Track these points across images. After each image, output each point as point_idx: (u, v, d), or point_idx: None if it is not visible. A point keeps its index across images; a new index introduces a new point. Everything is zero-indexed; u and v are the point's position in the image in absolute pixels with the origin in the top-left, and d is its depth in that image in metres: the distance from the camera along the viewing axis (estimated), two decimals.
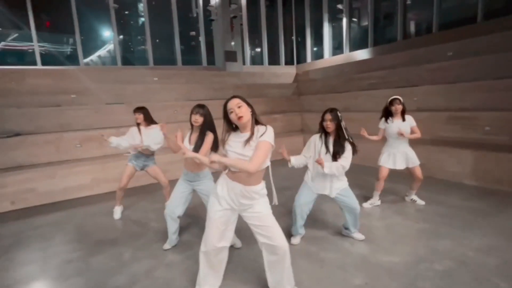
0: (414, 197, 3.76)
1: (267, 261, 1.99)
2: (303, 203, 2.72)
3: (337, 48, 10.42)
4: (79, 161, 4.99)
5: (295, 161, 2.68)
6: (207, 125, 2.58)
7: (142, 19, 9.21)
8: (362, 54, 9.19)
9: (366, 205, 3.69)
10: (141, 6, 9.03)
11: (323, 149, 2.60)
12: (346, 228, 2.88)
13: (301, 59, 11.64)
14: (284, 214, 3.36)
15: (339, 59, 9.86)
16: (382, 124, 3.62)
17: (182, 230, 3.02)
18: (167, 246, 2.85)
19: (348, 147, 2.55)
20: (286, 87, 9.84)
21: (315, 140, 2.69)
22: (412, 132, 3.54)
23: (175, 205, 2.71)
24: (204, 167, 2.67)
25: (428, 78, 6.21)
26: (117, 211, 3.76)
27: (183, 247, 2.84)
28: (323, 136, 2.65)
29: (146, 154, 3.62)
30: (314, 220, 3.27)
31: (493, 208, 3.45)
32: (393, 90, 6.48)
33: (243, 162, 1.75)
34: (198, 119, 2.55)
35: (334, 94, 8.05)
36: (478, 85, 5.25)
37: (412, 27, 8.33)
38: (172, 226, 2.79)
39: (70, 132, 5.42)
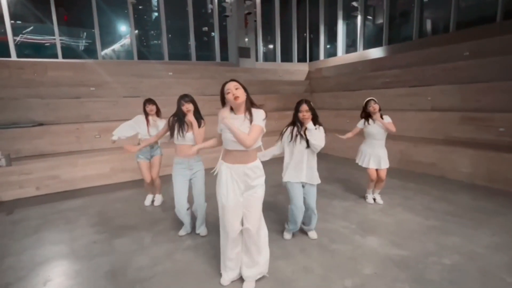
0: (377, 196, 3.82)
1: (244, 245, 2.15)
2: (301, 205, 2.67)
3: (351, 46, 10.38)
4: (98, 151, 5.21)
5: (262, 156, 2.55)
6: (197, 111, 2.85)
7: (156, 13, 9.39)
8: (376, 53, 9.14)
9: (370, 200, 3.83)
10: (156, 1, 9.21)
11: (298, 138, 2.62)
12: (303, 223, 2.88)
13: (314, 57, 11.63)
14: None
15: (353, 57, 9.83)
16: (361, 124, 3.67)
17: None
18: (182, 232, 3.01)
19: (321, 129, 2.63)
20: (299, 84, 9.88)
21: (288, 131, 2.69)
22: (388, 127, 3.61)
23: (183, 200, 2.83)
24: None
25: (443, 78, 6.18)
26: (148, 198, 3.99)
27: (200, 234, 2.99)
28: (296, 127, 2.64)
29: (150, 145, 3.71)
30: (325, 214, 3.37)
31: (504, 208, 3.47)
32: (407, 89, 6.49)
33: (243, 133, 1.91)
34: (190, 107, 2.77)
35: (347, 92, 8.06)
36: (494, 86, 5.20)
37: (428, 26, 8.23)
38: (186, 218, 2.94)
39: (89, 123, 5.65)
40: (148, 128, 3.65)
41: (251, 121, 1.97)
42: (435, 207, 3.58)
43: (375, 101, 3.57)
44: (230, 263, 2.16)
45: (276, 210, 3.58)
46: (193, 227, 3.05)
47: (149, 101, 3.72)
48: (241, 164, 2.01)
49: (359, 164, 3.75)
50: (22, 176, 4.37)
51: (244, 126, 1.96)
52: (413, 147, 5.24)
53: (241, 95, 1.95)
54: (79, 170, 4.78)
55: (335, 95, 8.36)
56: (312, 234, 2.90)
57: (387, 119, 3.58)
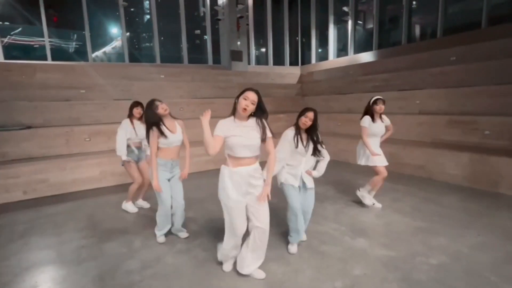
0: (373, 200, 3.74)
1: (253, 243, 2.22)
2: (299, 205, 2.60)
3: (342, 50, 10.53)
4: (88, 155, 5.14)
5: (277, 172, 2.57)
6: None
7: (148, 16, 9.37)
8: (367, 57, 9.30)
9: (369, 202, 3.69)
10: (147, 4, 9.19)
11: (300, 145, 2.57)
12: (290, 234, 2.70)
13: (306, 60, 11.76)
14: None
15: (344, 61, 9.98)
16: (366, 122, 3.53)
17: (190, 221, 3.16)
18: (163, 239, 2.94)
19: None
20: (290, 88, 9.97)
21: (291, 137, 2.59)
22: (387, 130, 3.72)
23: (169, 202, 2.81)
24: None
25: (431, 82, 6.33)
26: (134, 206, 3.88)
27: (191, 237, 2.98)
28: (298, 134, 2.59)
29: (137, 147, 3.69)
30: (315, 216, 3.38)
31: (489, 209, 3.57)
32: (397, 92, 6.61)
33: (272, 163, 2.19)
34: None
35: (338, 96, 8.16)
36: (479, 90, 5.35)
37: (417, 31, 8.43)
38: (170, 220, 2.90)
39: (79, 126, 5.58)
40: (135, 131, 3.59)
41: (261, 130, 2.10)
42: (422, 208, 3.65)
43: (384, 102, 3.54)
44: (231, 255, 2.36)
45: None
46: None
47: (137, 104, 3.65)
48: (244, 167, 2.10)
49: (380, 164, 3.57)
50: (8, 180, 4.27)
51: (253, 133, 2.08)
52: (402, 150, 5.33)
53: (250, 111, 2.06)
54: (68, 174, 4.70)
55: (326, 98, 8.45)
56: (292, 248, 2.71)
57: (385, 120, 3.67)
